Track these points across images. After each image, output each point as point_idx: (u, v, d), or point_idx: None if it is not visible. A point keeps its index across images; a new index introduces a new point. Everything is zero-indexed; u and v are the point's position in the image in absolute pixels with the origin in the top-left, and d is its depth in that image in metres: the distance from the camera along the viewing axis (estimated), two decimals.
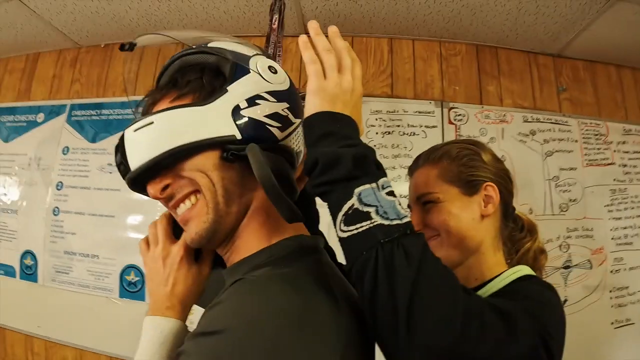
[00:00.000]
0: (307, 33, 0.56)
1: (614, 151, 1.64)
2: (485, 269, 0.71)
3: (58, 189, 1.83)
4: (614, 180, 1.62)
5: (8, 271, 1.83)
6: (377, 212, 0.44)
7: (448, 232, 0.71)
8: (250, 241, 0.51)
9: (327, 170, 0.46)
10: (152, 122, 0.47)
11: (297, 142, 0.55)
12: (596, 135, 1.65)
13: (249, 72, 0.51)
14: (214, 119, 0.48)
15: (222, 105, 0.48)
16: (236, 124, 0.48)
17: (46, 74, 2.01)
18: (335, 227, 0.47)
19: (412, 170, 0.81)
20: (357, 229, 0.44)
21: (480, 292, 0.68)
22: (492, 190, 0.73)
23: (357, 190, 0.45)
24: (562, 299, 1.50)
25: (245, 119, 0.49)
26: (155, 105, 0.52)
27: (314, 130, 0.48)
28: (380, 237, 0.43)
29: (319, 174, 0.47)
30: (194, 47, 0.54)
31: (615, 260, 1.55)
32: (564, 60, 1.74)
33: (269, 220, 0.52)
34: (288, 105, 0.52)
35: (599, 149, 1.64)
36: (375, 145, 1.59)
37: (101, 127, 1.83)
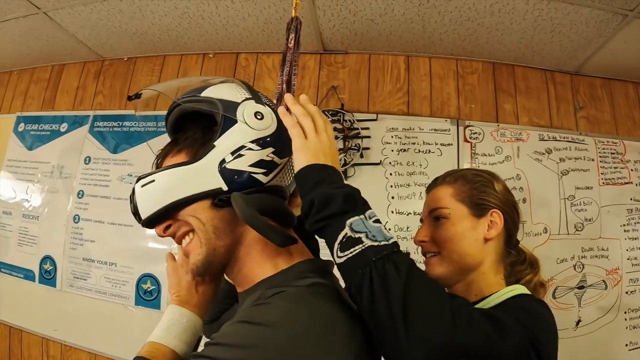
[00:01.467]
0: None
1: (631, 170, 1.62)
2: (484, 286, 0.76)
3: (79, 197, 1.88)
4: (631, 199, 1.59)
5: (28, 275, 1.89)
6: (367, 237, 0.52)
7: (451, 249, 0.77)
8: (258, 267, 0.58)
9: (322, 208, 0.54)
10: (153, 181, 0.56)
11: (285, 178, 0.61)
12: (613, 153, 1.64)
13: (236, 122, 0.57)
14: (202, 175, 0.55)
15: (210, 161, 0.55)
16: (222, 177, 0.55)
17: (70, 85, 2.07)
18: (332, 257, 0.54)
19: (429, 188, 0.88)
20: (351, 252, 0.52)
21: (478, 306, 0.72)
22: (497, 217, 0.78)
23: (348, 222, 0.53)
24: (576, 319, 1.49)
25: (231, 171, 0.55)
26: (163, 159, 0.61)
27: (308, 180, 0.56)
28: (372, 256, 0.51)
29: (316, 213, 0.55)
30: (188, 97, 0.60)
31: (631, 281, 1.53)
32: (581, 78, 1.73)
33: (268, 247, 0.57)
34: (273, 149, 0.58)
35: (615, 167, 1.62)
36: (390, 163, 1.61)
37: (122, 138, 1.88)
